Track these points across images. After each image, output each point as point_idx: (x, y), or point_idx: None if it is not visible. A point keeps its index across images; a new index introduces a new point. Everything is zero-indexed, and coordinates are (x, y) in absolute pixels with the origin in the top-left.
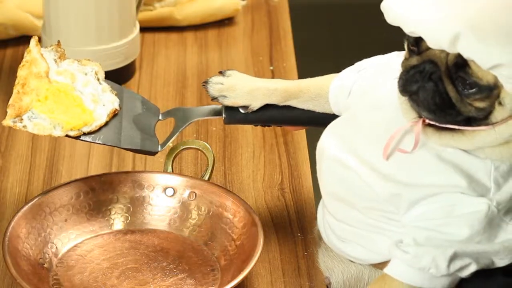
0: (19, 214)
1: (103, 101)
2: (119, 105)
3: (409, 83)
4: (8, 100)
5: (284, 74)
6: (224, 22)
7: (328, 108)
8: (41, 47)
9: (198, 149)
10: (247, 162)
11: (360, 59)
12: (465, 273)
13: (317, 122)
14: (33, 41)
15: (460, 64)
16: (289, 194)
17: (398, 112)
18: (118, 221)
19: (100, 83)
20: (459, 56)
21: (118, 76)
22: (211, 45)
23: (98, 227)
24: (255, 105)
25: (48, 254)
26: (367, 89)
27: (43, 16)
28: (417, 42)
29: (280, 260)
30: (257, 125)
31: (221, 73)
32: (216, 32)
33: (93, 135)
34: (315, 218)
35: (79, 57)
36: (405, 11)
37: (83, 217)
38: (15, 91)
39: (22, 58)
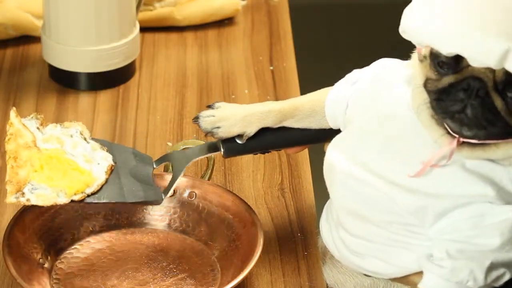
0: (19, 214)
1: (96, 159)
2: (113, 160)
3: (452, 103)
4: (8, 99)
5: (284, 74)
6: (224, 22)
7: (324, 123)
8: (41, 47)
9: None
10: (247, 162)
11: (360, 59)
12: (500, 283)
13: (315, 139)
14: (13, 113)
15: (510, 78)
16: (289, 194)
17: (414, 123)
18: (118, 221)
19: (88, 142)
20: (506, 71)
21: (118, 76)
22: (211, 45)
23: (98, 227)
24: (251, 130)
25: (48, 254)
26: (369, 102)
27: (43, 16)
28: (455, 60)
29: (280, 260)
30: (256, 154)
31: (209, 106)
32: (216, 32)
33: (97, 195)
34: (317, 234)
35: (80, 57)
36: (441, 32)
37: (83, 217)
38: (8, 166)
39: (22, 58)
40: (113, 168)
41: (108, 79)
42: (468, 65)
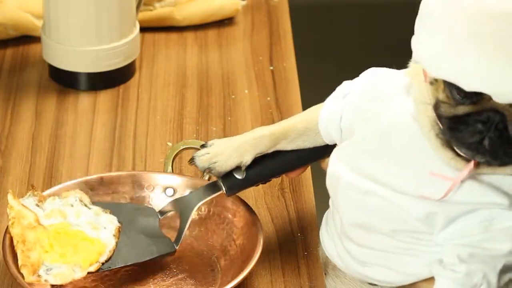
0: None
1: (102, 224)
2: (119, 221)
3: (470, 135)
4: (8, 99)
5: (284, 74)
6: (224, 22)
7: (319, 140)
8: (41, 47)
9: (198, 149)
10: None
11: (360, 59)
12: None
13: (313, 157)
14: (10, 196)
15: None
16: (289, 194)
17: (418, 134)
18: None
19: (89, 208)
20: None
21: (118, 76)
22: (211, 45)
23: None
24: (247, 159)
25: None
26: (369, 114)
27: (43, 16)
28: (475, 91)
29: (280, 260)
30: (258, 185)
31: (203, 146)
32: (216, 32)
33: (111, 261)
34: (318, 245)
35: (80, 57)
36: (464, 68)
37: None
38: (19, 251)
39: (22, 58)
40: (120, 229)
41: (108, 79)
42: (490, 98)
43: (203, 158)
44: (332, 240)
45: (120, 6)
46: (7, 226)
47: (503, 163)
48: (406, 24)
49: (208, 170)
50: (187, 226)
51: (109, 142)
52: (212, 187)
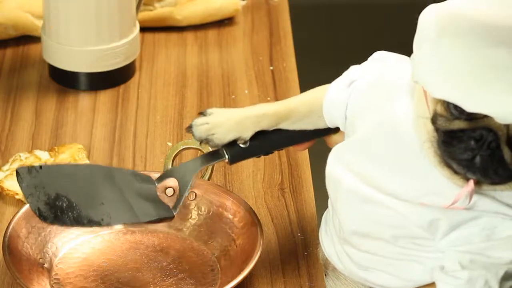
0: (19, 214)
1: None
2: (116, 183)
3: (462, 151)
4: (8, 99)
5: (284, 74)
6: (224, 22)
7: (321, 123)
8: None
9: (198, 149)
10: (247, 162)
11: (360, 59)
12: None
13: (317, 134)
14: None
15: None
16: (289, 194)
17: (417, 142)
18: None
19: None
20: None
21: (118, 76)
22: (211, 45)
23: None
24: (246, 135)
25: (48, 254)
26: (373, 111)
27: (43, 16)
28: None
29: (280, 260)
30: (259, 156)
31: (201, 113)
32: (216, 32)
33: (111, 219)
34: (318, 245)
35: (80, 57)
36: (465, 91)
37: None
38: None
39: (22, 58)
40: None
41: (108, 79)
42: (485, 116)
43: (201, 128)
44: (331, 241)
45: (120, 6)
46: (7, 226)
47: (493, 183)
48: (406, 24)
49: (206, 141)
50: (186, 192)
51: (109, 142)
52: (213, 155)
